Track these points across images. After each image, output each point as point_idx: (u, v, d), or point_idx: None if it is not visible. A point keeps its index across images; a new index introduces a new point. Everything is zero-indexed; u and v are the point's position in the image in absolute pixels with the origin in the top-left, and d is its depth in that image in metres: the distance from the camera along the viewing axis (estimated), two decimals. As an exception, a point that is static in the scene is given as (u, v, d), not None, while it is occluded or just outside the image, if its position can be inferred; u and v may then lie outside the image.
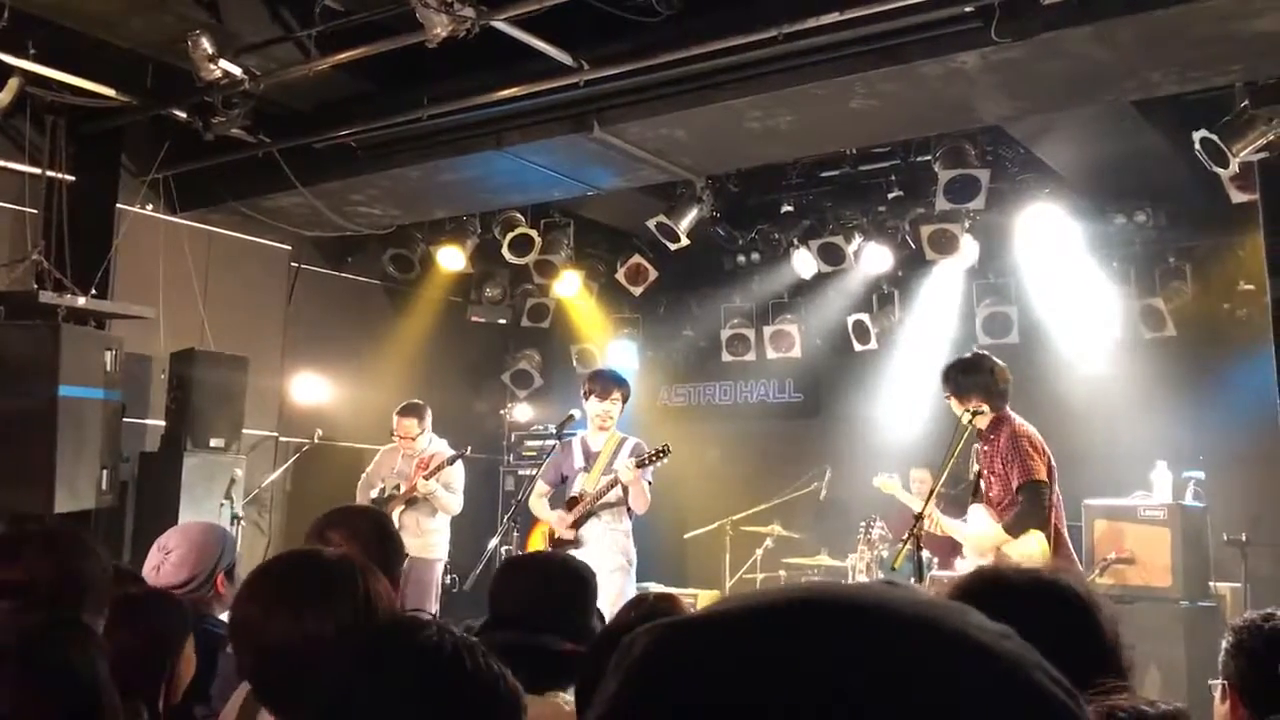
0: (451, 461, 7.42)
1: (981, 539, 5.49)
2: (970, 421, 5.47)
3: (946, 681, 0.56)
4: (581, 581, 2.84)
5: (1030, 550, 5.31)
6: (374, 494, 7.53)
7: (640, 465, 6.20)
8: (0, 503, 6.51)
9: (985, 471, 5.57)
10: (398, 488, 7.49)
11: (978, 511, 5.57)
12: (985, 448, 5.58)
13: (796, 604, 0.60)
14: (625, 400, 6.58)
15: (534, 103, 6.70)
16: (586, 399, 6.53)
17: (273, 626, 1.91)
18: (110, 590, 2.66)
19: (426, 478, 7.35)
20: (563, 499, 6.54)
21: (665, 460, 6.29)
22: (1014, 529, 5.38)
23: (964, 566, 5.77)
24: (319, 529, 2.83)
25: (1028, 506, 5.36)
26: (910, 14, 5.46)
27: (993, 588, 1.70)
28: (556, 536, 6.40)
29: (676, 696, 0.57)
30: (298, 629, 1.88)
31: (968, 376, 5.56)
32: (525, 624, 2.54)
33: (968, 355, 5.85)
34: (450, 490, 7.49)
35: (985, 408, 5.47)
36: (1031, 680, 0.58)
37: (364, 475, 7.77)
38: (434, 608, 7.51)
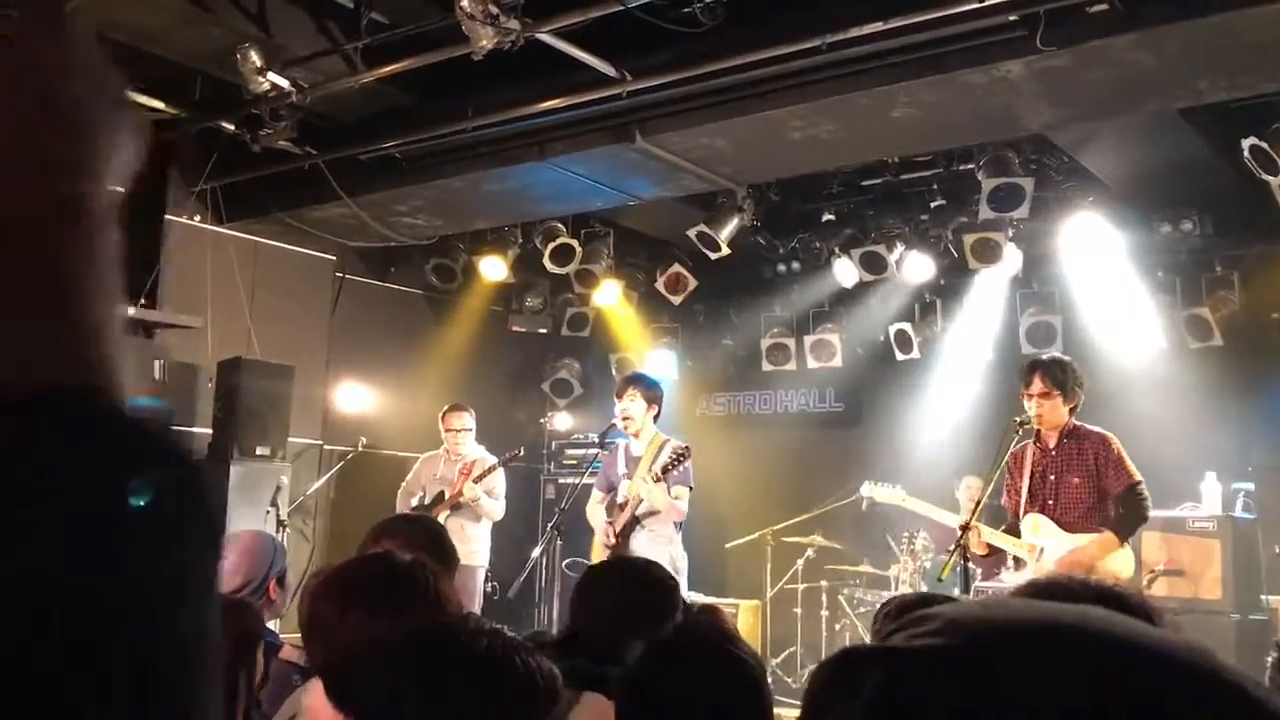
0: (504, 463, 7.48)
1: (1086, 555, 5.25)
2: (1020, 428, 5.42)
3: None
4: (663, 591, 2.81)
5: (1124, 565, 5.28)
6: (414, 501, 7.57)
7: (658, 479, 6.20)
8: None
9: (1052, 477, 5.49)
10: (441, 495, 7.53)
11: (1043, 522, 5.48)
12: (1053, 452, 5.51)
13: (1051, 634, 0.56)
14: (650, 400, 6.51)
15: (576, 113, 6.74)
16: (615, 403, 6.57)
17: (346, 626, 1.94)
18: None
19: (476, 481, 7.40)
20: (614, 506, 6.57)
21: (687, 462, 6.24)
22: (1123, 531, 5.34)
23: (1013, 579, 5.70)
24: (373, 537, 2.86)
25: (1134, 508, 5.36)
26: (954, 23, 5.45)
27: (1061, 599, 1.68)
28: (609, 549, 6.41)
29: None
30: (370, 629, 1.91)
31: (1074, 377, 5.53)
32: (601, 640, 2.53)
33: (1065, 357, 5.85)
34: (493, 496, 7.54)
35: (1076, 404, 5.46)
36: None
37: (404, 483, 7.82)
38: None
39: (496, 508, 7.57)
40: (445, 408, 7.81)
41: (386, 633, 1.88)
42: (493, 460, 7.58)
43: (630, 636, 2.49)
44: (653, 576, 2.86)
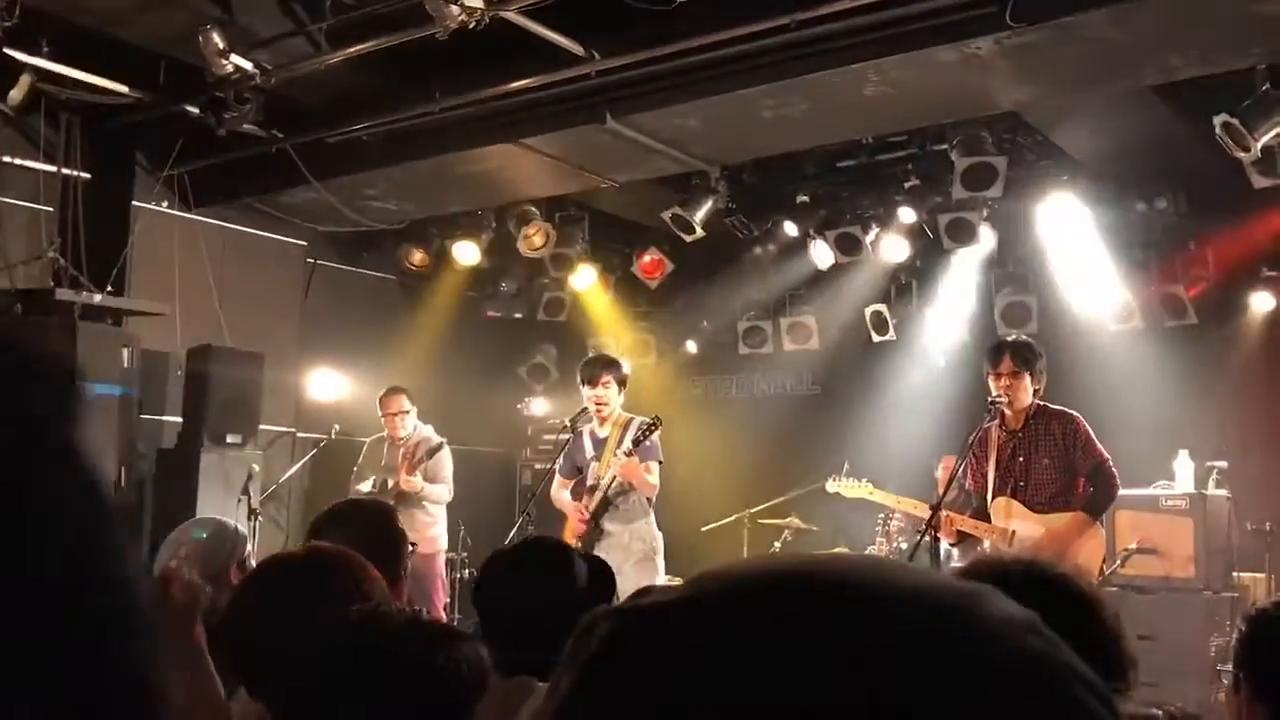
0: (430, 455, 7.39)
1: (1061, 537, 5.24)
2: (994, 406, 5.40)
3: (962, 691, 0.48)
4: (561, 561, 2.79)
5: (1095, 545, 5.29)
6: (364, 487, 7.51)
7: (630, 453, 6.16)
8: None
9: (1021, 458, 5.47)
10: (385, 483, 7.48)
11: (1013, 505, 5.46)
12: (1020, 434, 5.49)
13: (782, 587, 0.52)
14: (621, 384, 6.48)
15: (546, 94, 6.68)
16: (581, 388, 6.50)
17: (260, 633, 1.89)
18: None
19: (412, 470, 7.34)
20: (583, 490, 6.51)
21: (658, 432, 6.23)
22: (1095, 510, 5.35)
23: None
24: (317, 527, 2.81)
25: (1104, 486, 5.37)
26: (923, -1, 5.41)
27: (988, 578, 1.65)
28: (582, 532, 6.36)
29: (640, 698, 0.49)
30: (283, 631, 1.86)
31: (1042, 359, 5.51)
32: (515, 632, 2.50)
33: (1030, 338, 5.83)
34: (437, 481, 7.47)
35: (1039, 388, 5.45)
36: (1068, 692, 0.50)
37: (355, 469, 7.76)
38: (444, 599, 7.55)
39: (441, 492, 7.51)
40: (381, 392, 7.72)
41: (296, 631, 1.84)
42: (433, 443, 7.50)
43: (546, 614, 2.47)
44: (548, 547, 2.84)
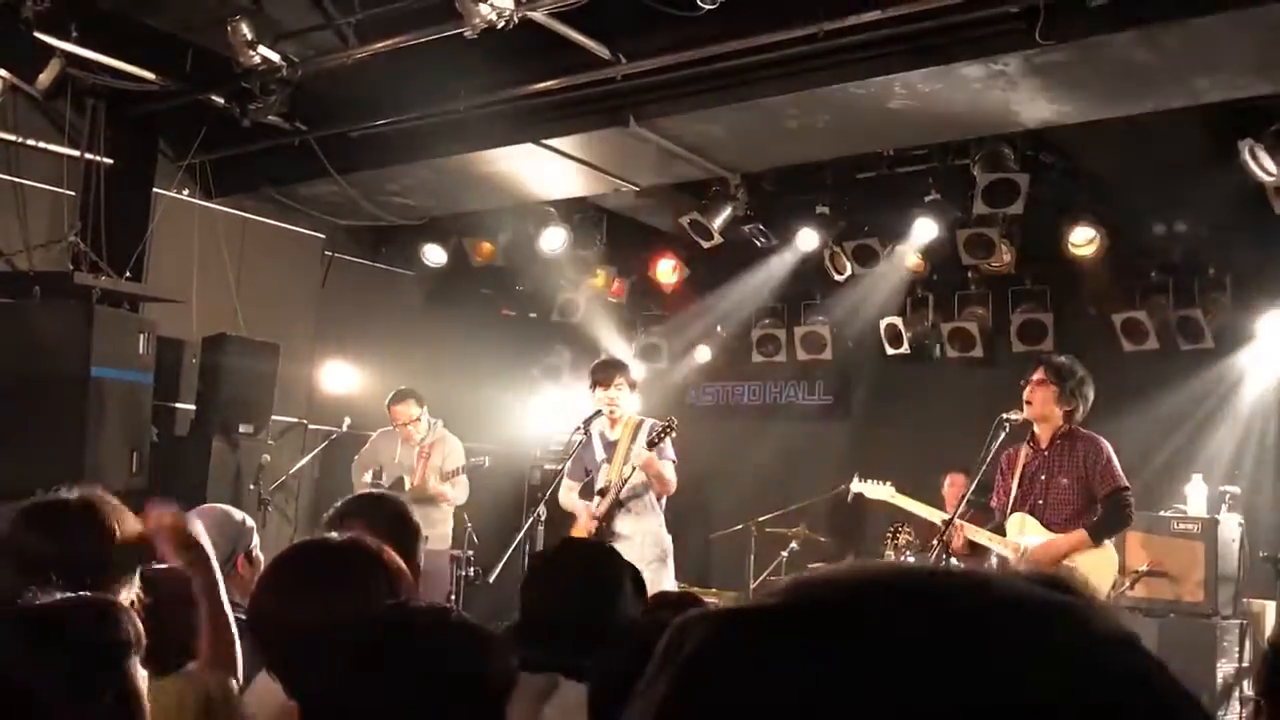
0: (465, 470, 7.59)
1: (1054, 548, 5.29)
2: (1008, 424, 5.39)
3: (1087, 702, 0.48)
4: (616, 580, 2.78)
5: (1104, 564, 5.25)
6: (368, 477, 7.55)
7: (649, 447, 6.19)
8: (29, 482, 6.53)
9: (1043, 477, 5.45)
10: (401, 481, 7.51)
11: (1028, 521, 5.45)
12: (1046, 453, 5.47)
13: (884, 595, 0.52)
14: (632, 386, 6.55)
15: (570, 95, 6.68)
16: (592, 390, 6.51)
17: (290, 615, 1.89)
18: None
19: (444, 480, 7.50)
20: (591, 492, 6.52)
21: (673, 434, 6.28)
22: (1099, 533, 5.32)
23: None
24: (337, 517, 2.82)
25: (1115, 512, 5.35)
26: (953, 13, 5.40)
27: None
28: (592, 532, 6.36)
29: (738, 700, 0.50)
30: (314, 615, 1.86)
31: (1078, 381, 5.48)
32: (555, 632, 2.49)
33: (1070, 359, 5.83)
34: (456, 484, 7.63)
35: (1073, 409, 5.42)
36: (1188, 709, 0.51)
37: (357, 458, 7.79)
38: (445, 596, 7.63)
39: (461, 494, 7.66)
40: (389, 398, 7.75)
41: (332, 618, 1.83)
42: (452, 439, 7.67)
43: (591, 618, 2.46)
44: (601, 554, 2.83)
